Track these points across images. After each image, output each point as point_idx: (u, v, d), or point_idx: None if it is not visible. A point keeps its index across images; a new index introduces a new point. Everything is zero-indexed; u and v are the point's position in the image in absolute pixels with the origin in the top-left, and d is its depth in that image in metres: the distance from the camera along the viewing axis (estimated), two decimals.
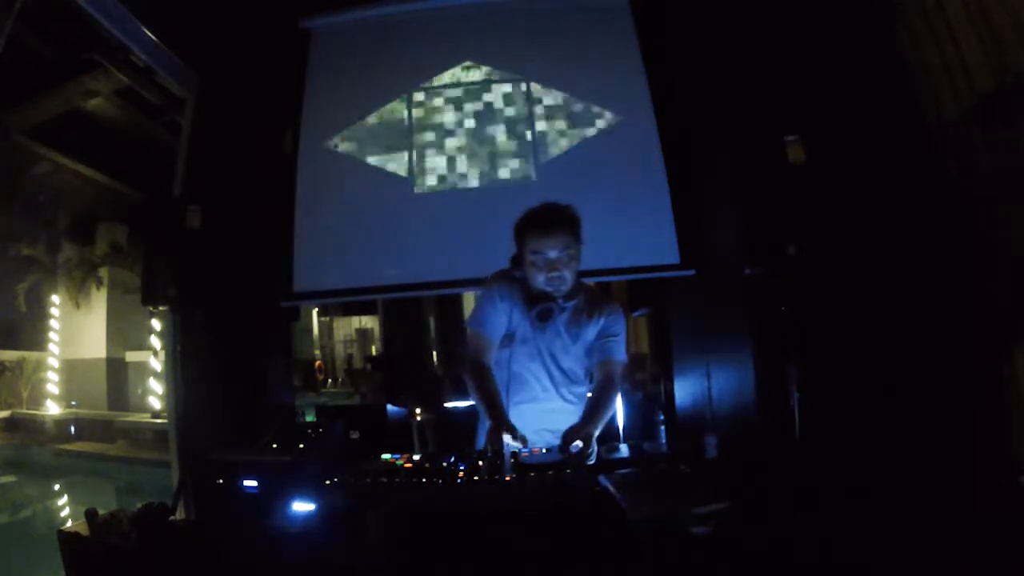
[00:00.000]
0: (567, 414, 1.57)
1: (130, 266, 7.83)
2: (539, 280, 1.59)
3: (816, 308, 2.56)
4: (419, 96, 3.25)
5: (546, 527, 1.03)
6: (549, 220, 1.59)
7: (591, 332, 1.68)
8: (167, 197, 3.19)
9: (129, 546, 1.18)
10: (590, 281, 1.92)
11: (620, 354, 1.66)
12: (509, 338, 1.66)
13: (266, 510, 1.16)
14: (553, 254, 1.57)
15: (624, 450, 1.80)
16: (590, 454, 1.40)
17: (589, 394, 1.68)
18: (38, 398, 7.88)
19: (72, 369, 8.11)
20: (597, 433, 1.51)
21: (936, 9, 2.53)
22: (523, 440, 1.42)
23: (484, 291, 1.70)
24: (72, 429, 7.25)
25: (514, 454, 1.26)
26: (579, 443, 1.36)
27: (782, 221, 2.40)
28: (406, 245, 3.05)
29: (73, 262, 8.19)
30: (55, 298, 8.19)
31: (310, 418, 3.37)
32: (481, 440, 1.75)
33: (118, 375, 8.18)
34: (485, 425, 1.61)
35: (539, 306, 1.60)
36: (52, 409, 7.68)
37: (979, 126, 2.46)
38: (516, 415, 1.59)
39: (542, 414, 1.66)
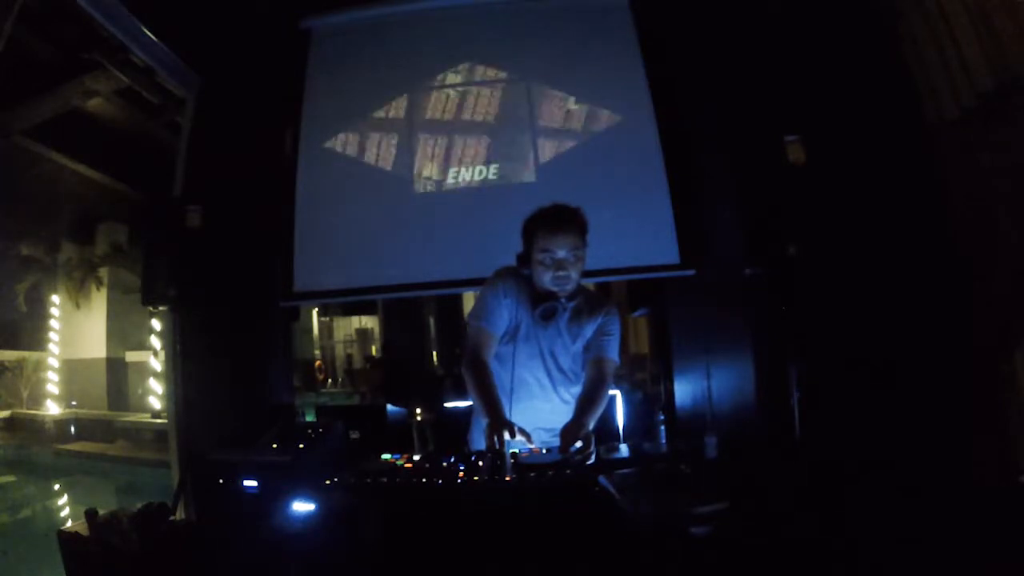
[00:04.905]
0: (563, 415, 1.57)
1: (130, 266, 7.82)
2: (545, 279, 1.60)
3: (816, 308, 2.56)
4: (419, 96, 3.25)
5: (546, 527, 1.03)
6: (560, 220, 1.60)
7: (590, 331, 1.68)
8: (167, 197, 3.19)
9: (129, 546, 1.18)
10: (590, 281, 1.92)
11: (613, 353, 1.67)
12: (512, 335, 1.66)
13: (266, 510, 1.16)
14: (562, 254, 1.58)
15: (624, 450, 1.79)
16: (590, 454, 1.40)
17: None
18: (38, 398, 7.87)
19: (72, 369, 8.10)
20: (592, 428, 1.51)
21: (936, 9, 2.53)
22: (525, 435, 1.42)
23: (488, 286, 1.70)
24: (72, 429, 7.25)
25: (514, 454, 1.26)
26: (579, 443, 1.36)
27: (782, 221, 2.41)
28: (406, 245, 3.05)
29: (73, 262, 8.19)
30: (55, 298, 8.18)
31: (310, 418, 3.38)
32: (475, 438, 1.75)
33: (118, 375, 8.18)
34: (480, 423, 1.61)
35: (544, 304, 1.60)
36: (52, 409, 7.67)
37: (979, 126, 2.46)
38: (513, 413, 1.59)
39: (539, 413, 1.66)
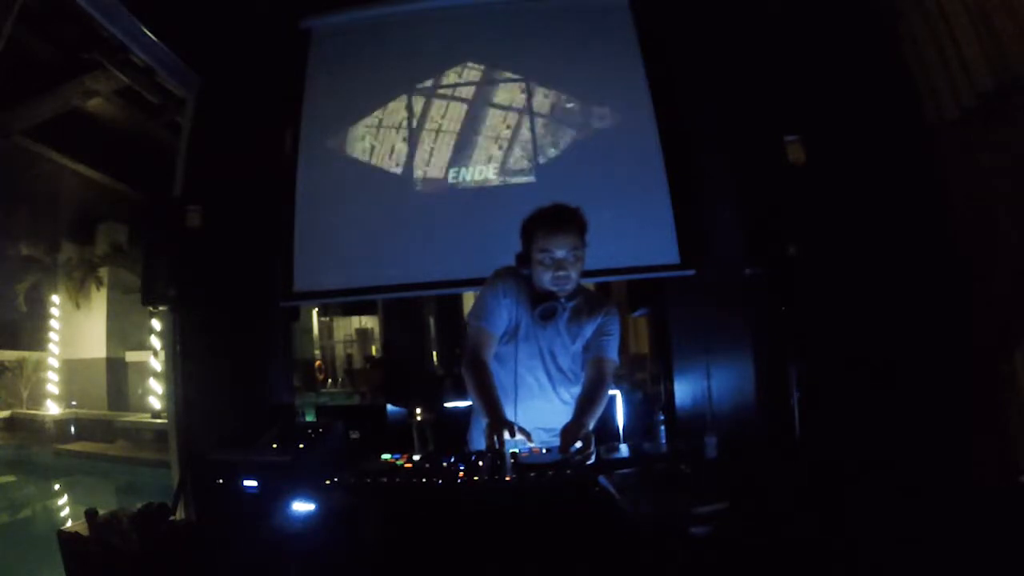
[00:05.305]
0: (563, 415, 1.57)
1: (130, 266, 7.82)
2: (545, 279, 1.60)
3: (816, 308, 2.56)
4: (419, 96, 3.25)
5: (546, 527, 1.03)
6: (560, 220, 1.61)
7: (590, 331, 1.68)
8: (167, 197, 3.19)
9: (129, 546, 1.18)
10: (590, 281, 1.92)
11: (612, 353, 1.67)
12: (511, 335, 1.66)
13: (266, 510, 1.16)
14: (561, 253, 1.58)
15: (624, 450, 1.79)
16: (590, 454, 1.40)
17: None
18: (38, 398, 7.86)
19: (72, 369, 8.09)
20: (592, 428, 1.51)
21: (936, 9, 2.53)
22: (525, 434, 1.42)
23: (488, 286, 1.70)
24: (72, 429, 7.24)
25: (514, 454, 1.26)
26: (579, 443, 1.37)
27: (782, 221, 2.41)
28: (406, 245, 3.05)
29: (73, 262, 8.19)
30: (55, 298, 8.17)
31: (310, 418, 3.38)
32: (475, 438, 1.75)
33: (118, 375, 8.17)
34: (480, 423, 1.61)
35: (543, 304, 1.60)
36: (52, 409, 7.66)
37: (979, 126, 2.46)
38: (512, 413, 1.59)
39: (539, 413, 1.66)
